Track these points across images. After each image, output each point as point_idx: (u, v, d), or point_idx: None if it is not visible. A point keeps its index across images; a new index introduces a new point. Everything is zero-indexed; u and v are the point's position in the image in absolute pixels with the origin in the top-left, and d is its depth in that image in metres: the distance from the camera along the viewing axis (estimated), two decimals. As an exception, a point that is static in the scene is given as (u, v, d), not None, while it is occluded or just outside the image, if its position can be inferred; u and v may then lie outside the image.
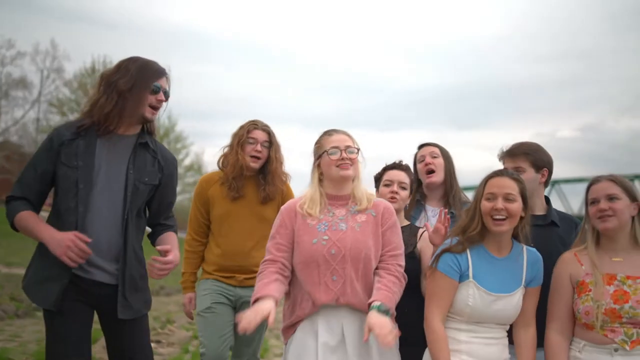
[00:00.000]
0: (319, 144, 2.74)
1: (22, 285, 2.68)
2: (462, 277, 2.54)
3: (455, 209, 3.29)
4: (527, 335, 2.61)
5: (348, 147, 2.66)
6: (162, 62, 2.72)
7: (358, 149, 2.70)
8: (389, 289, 2.51)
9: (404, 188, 3.08)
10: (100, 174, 2.59)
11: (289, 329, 2.65)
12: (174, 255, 2.60)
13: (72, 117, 33.86)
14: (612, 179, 2.58)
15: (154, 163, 2.73)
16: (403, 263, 2.64)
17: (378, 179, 3.21)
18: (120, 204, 2.60)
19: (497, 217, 2.52)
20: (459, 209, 3.24)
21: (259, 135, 3.65)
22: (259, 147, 3.62)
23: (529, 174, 3.01)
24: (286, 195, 3.73)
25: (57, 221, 2.57)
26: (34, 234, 2.52)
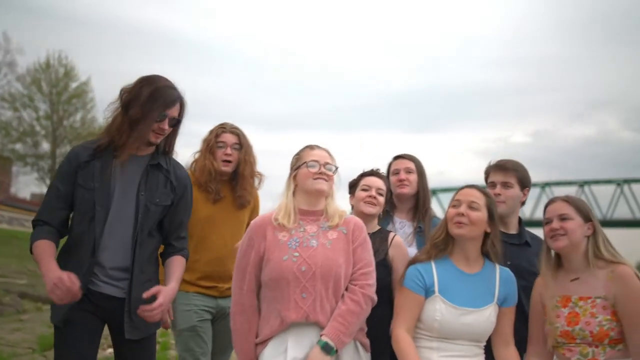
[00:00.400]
0: (298, 156, 2.75)
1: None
2: (428, 292, 2.58)
3: (424, 224, 3.33)
4: (509, 352, 2.65)
5: (327, 163, 2.69)
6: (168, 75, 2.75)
7: (336, 168, 2.73)
8: (344, 320, 2.50)
9: (381, 194, 3.09)
10: (115, 195, 2.64)
11: (259, 346, 2.61)
12: (163, 298, 2.57)
13: (25, 113, 33.19)
14: (566, 199, 2.64)
15: (166, 183, 2.75)
16: (373, 281, 2.63)
17: (353, 185, 3.20)
18: (131, 225, 2.64)
19: (458, 221, 2.59)
20: (428, 225, 3.29)
21: (228, 138, 3.61)
22: (228, 151, 3.58)
23: (515, 191, 3.08)
24: (255, 204, 3.74)
25: (74, 243, 2.64)
26: (39, 265, 2.54)
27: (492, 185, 3.10)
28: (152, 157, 2.74)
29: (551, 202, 2.69)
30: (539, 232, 3.11)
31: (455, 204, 2.64)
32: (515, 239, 3.04)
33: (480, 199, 2.62)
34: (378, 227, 3.14)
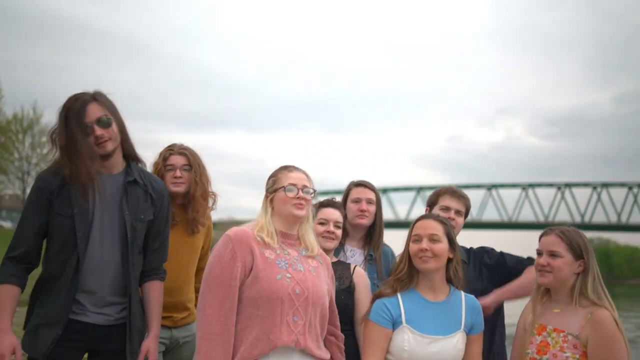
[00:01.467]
0: (275, 178, 2.62)
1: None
2: (396, 323, 2.59)
3: (374, 252, 3.37)
4: None
5: (305, 186, 2.57)
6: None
7: (314, 191, 2.62)
8: None
9: (338, 227, 3.08)
10: (95, 219, 2.56)
11: None
12: (153, 356, 2.64)
13: None
14: (560, 234, 2.61)
15: (146, 198, 2.70)
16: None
17: None
18: (118, 246, 2.58)
19: (423, 257, 2.61)
20: (379, 254, 3.37)
21: (177, 160, 3.43)
22: (178, 173, 3.40)
23: (462, 220, 3.25)
24: (209, 226, 3.64)
25: (54, 275, 2.54)
26: None
27: (446, 209, 3.21)
28: (126, 173, 2.67)
29: (546, 233, 2.67)
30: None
31: (416, 238, 2.66)
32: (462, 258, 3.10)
33: (439, 230, 2.65)
34: (336, 259, 3.14)
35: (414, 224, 2.73)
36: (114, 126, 2.59)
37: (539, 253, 2.64)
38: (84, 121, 2.51)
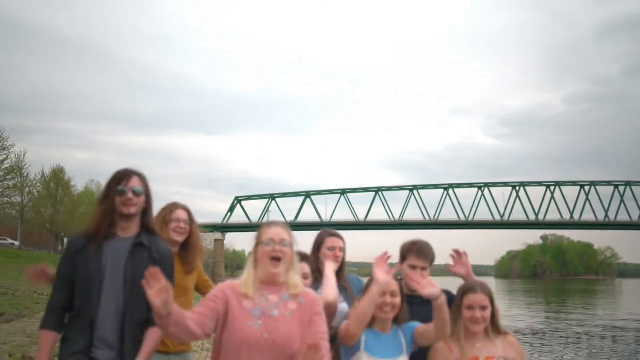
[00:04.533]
0: (258, 234, 3.02)
1: None
2: (355, 348, 3.36)
3: (344, 282, 4.05)
4: None
5: (282, 239, 2.93)
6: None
7: (292, 243, 2.98)
8: None
9: (306, 278, 3.54)
10: (106, 274, 3.16)
11: None
12: None
13: None
14: (484, 292, 3.42)
15: (149, 259, 3.22)
16: (327, 352, 2.89)
17: None
18: (121, 298, 3.15)
19: (385, 309, 3.39)
20: (347, 281, 4.09)
21: (181, 214, 4.29)
22: (182, 225, 4.26)
23: (428, 272, 3.72)
24: (200, 269, 4.49)
25: (76, 315, 3.16)
26: (38, 351, 3.14)
27: (413, 267, 3.73)
28: (137, 236, 3.26)
29: (474, 291, 3.44)
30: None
31: (382, 294, 3.36)
32: (419, 298, 3.53)
33: (396, 287, 3.43)
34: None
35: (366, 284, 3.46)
36: (143, 198, 3.27)
37: (470, 307, 3.38)
38: (120, 185, 3.22)
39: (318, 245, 4.06)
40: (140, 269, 3.02)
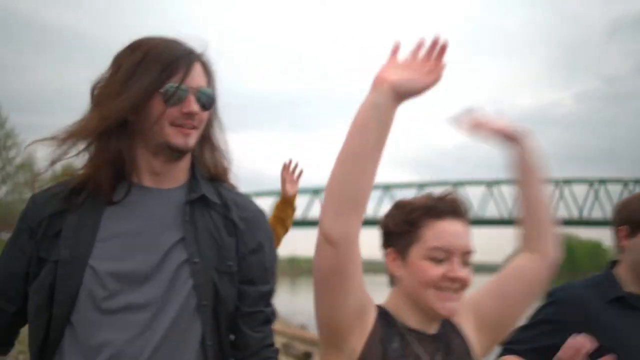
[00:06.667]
0: None
1: None
2: None
3: None
4: None
5: None
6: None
7: None
8: None
9: None
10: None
11: None
12: None
13: None
14: None
15: (227, 227, 1.52)
16: None
17: None
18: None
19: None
20: None
21: None
22: None
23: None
24: None
25: None
26: None
27: None
28: (189, 187, 1.52)
29: None
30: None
31: None
32: None
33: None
34: None
35: None
36: (210, 113, 1.53)
37: None
38: (171, 79, 1.42)
39: None
40: (222, 253, 1.49)
